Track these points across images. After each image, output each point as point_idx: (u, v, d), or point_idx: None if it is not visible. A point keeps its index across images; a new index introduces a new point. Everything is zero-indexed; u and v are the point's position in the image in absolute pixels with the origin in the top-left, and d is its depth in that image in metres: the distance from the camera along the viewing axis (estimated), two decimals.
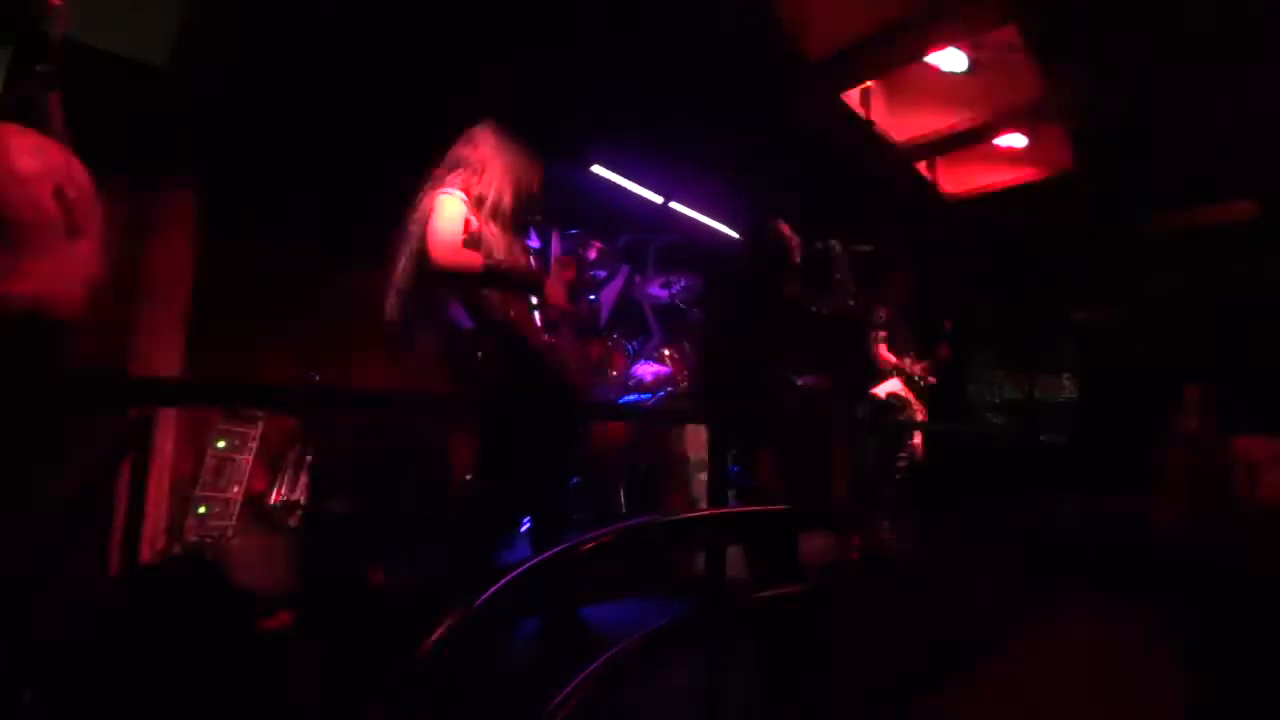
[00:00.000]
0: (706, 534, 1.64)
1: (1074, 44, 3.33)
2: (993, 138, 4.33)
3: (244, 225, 3.27)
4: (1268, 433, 3.20)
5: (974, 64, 3.65)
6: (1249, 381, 4.14)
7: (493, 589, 0.97)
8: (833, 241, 3.66)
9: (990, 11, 3.15)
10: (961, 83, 3.87)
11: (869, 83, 3.91)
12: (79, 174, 1.47)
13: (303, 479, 3.08)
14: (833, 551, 3.46)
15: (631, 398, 4.02)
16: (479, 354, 2.05)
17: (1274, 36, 3.05)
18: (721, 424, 2.38)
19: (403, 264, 2.09)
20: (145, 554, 2.59)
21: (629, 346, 4.25)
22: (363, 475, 3.06)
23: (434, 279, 2.04)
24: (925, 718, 1.98)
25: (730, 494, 2.76)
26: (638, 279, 4.56)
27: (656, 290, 4.48)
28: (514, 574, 1.02)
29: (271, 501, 3.05)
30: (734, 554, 2.12)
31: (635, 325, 4.55)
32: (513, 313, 2.11)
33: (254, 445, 3.03)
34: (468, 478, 3.25)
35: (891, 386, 3.97)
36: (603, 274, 4.17)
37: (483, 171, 2.14)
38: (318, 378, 3.35)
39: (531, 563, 1.12)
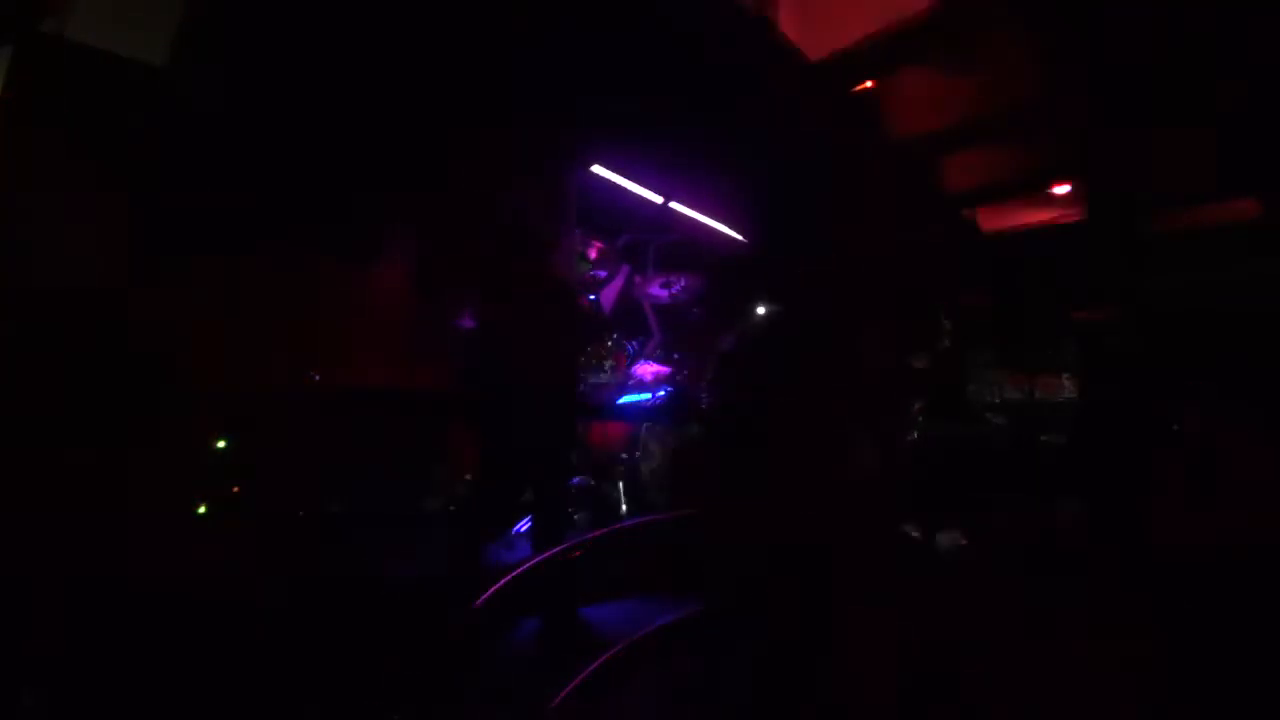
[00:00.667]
0: (707, 534, 1.64)
1: (1074, 43, 3.33)
2: (993, 134, 4.34)
3: (244, 225, 3.27)
4: (1268, 433, 3.20)
5: (974, 64, 3.65)
6: (1249, 381, 4.14)
7: (493, 588, 0.97)
8: None
9: (990, 11, 3.15)
10: (962, 82, 3.87)
11: (869, 83, 3.91)
12: None
13: (301, 479, 3.08)
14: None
15: (631, 398, 4.02)
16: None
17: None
18: (722, 423, 2.38)
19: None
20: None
21: (629, 346, 4.25)
22: (362, 475, 3.06)
23: None
24: (925, 718, 1.98)
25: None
26: (638, 279, 4.56)
27: (656, 290, 4.48)
28: (514, 573, 1.02)
29: (269, 501, 3.05)
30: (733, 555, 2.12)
31: (635, 325, 4.55)
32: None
33: (254, 445, 3.03)
34: (467, 477, 3.25)
35: None
36: (603, 274, 4.17)
37: None
38: (318, 378, 3.35)
39: (532, 562, 1.11)
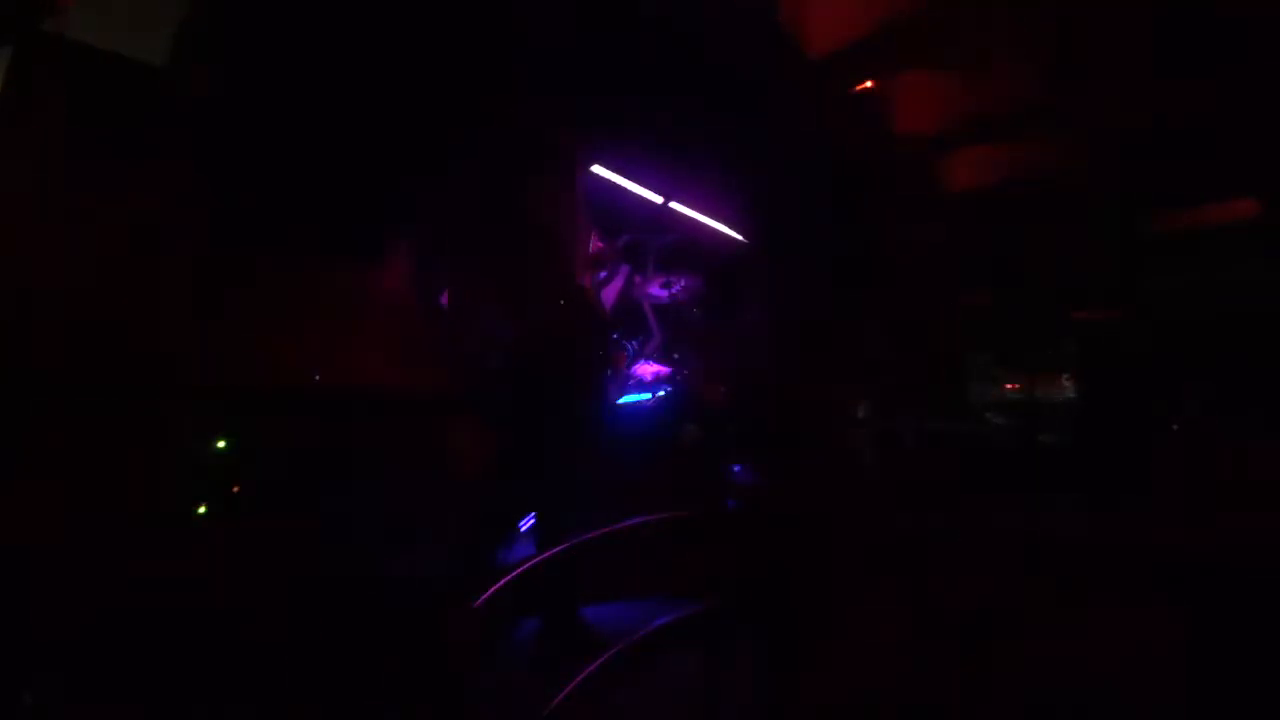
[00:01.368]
0: (707, 534, 1.64)
1: (1074, 43, 3.33)
2: (993, 136, 4.34)
3: (244, 225, 3.26)
4: (1268, 433, 3.20)
5: (974, 63, 3.65)
6: (1249, 381, 4.14)
7: (493, 588, 0.97)
8: None
9: (990, 11, 3.15)
10: (963, 82, 3.87)
11: (868, 83, 3.91)
12: None
13: (303, 478, 3.07)
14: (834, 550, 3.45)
15: (631, 397, 4.02)
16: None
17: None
18: (722, 424, 2.38)
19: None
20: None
21: (629, 346, 4.25)
22: (365, 474, 3.05)
23: None
24: (926, 717, 1.98)
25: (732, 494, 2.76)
26: (638, 279, 4.56)
27: (656, 290, 4.48)
28: (515, 573, 1.02)
29: (270, 501, 3.05)
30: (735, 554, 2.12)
31: (635, 325, 4.55)
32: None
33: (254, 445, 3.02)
34: (468, 477, 3.24)
35: None
36: (603, 274, 4.17)
37: None
38: (318, 377, 3.34)
39: (533, 561, 1.12)
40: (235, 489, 2.97)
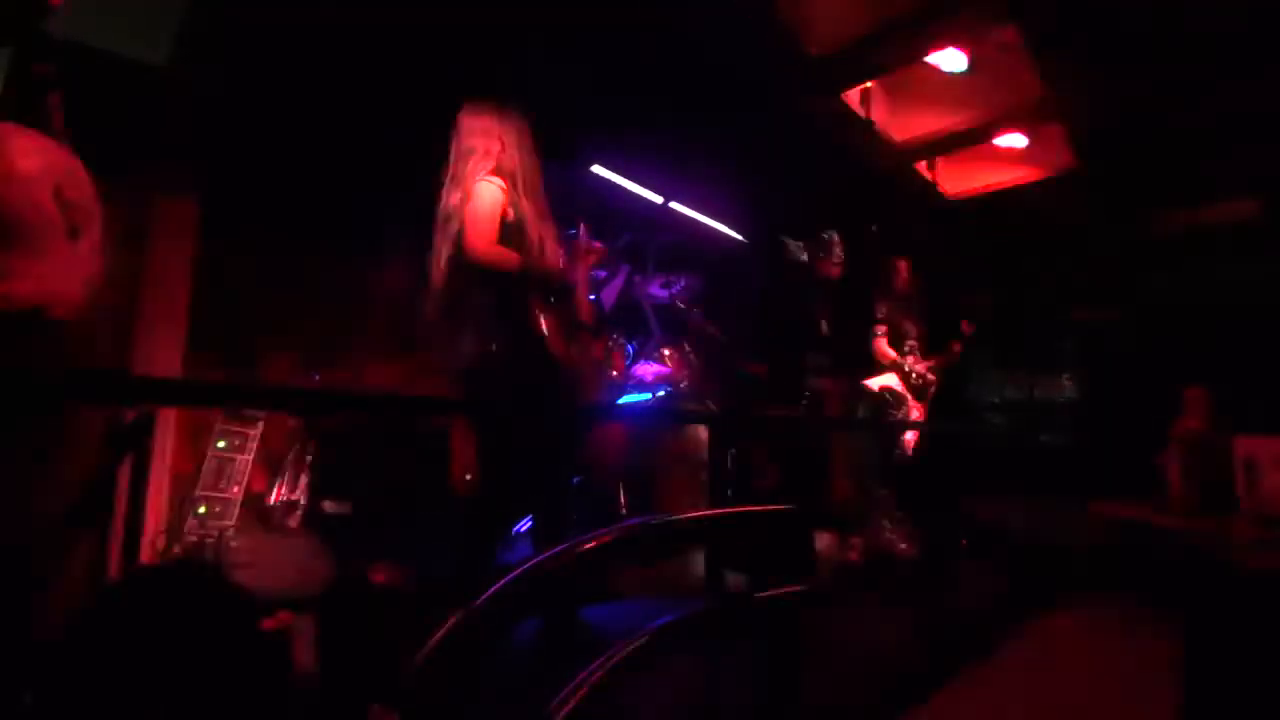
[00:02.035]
0: (707, 534, 1.64)
1: (1074, 43, 3.33)
2: (993, 137, 4.34)
3: (245, 225, 3.27)
4: (1268, 433, 3.20)
5: (974, 63, 3.65)
6: (1249, 381, 4.14)
7: (493, 589, 0.97)
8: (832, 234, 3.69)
9: (990, 11, 3.15)
10: (962, 82, 3.87)
11: (869, 83, 3.91)
12: (79, 174, 1.47)
13: (303, 479, 3.08)
14: (833, 551, 3.45)
15: (631, 397, 4.02)
16: (493, 347, 2.02)
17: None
18: (723, 424, 2.38)
19: (440, 263, 2.05)
20: (145, 555, 2.59)
21: (629, 346, 4.25)
22: (363, 475, 3.05)
23: (470, 275, 2.00)
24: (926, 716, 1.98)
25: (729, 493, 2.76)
26: (638, 279, 4.56)
27: (656, 290, 4.48)
28: (514, 574, 1.02)
29: (271, 501, 3.05)
30: (735, 554, 2.12)
31: (635, 325, 4.54)
32: (543, 322, 2.09)
33: (254, 445, 3.02)
34: (468, 478, 3.25)
35: (886, 381, 3.94)
36: (603, 274, 4.17)
37: (503, 147, 2.10)
38: (318, 378, 3.35)
39: (532, 563, 1.12)
40: (235, 489, 2.97)
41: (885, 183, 4.70)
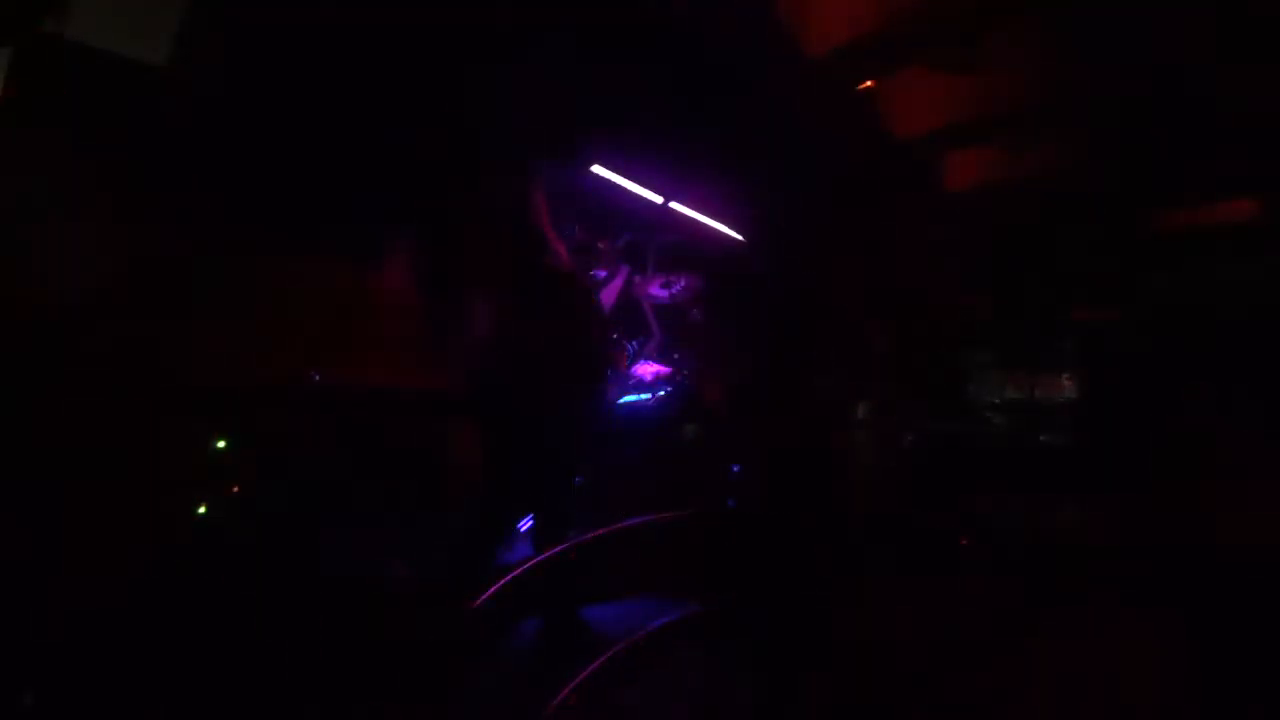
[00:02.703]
0: (707, 534, 1.64)
1: (1074, 42, 3.33)
2: (994, 135, 4.34)
3: (245, 225, 3.26)
4: (1268, 433, 3.20)
5: (974, 62, 3.65)
6: (1249, 381, 4.14)
7: (493, 588, 0.97)
8: None
9: (990, 10, 3.16)
10: (963, 80, 3.87)
11: (869, 82, 3.91)
12: None
13: (300, 479, 3.07)
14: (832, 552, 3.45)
15: (631, 397, 4.02)
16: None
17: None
18: (723, 425, 2.38)
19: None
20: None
21: (629, 346, 4.25)
22: (363, 474, 3.05)
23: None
24: (928, 718, 1.98)
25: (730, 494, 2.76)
26: (638, 279, 4.56)
27: (656, 290, 4.48)
28: (515, 573, 1.02)
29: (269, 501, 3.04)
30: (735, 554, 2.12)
31: (635, 325, 4.55)
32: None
33: (253, 445, 3.02)
34: (468, 477, 3.24)
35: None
36: (603, 274, 4.17)
37: None
38: (318, 377, 3.34)
39: (532, 562, 1.11)
40: (235, 489, 2.97)
41: (885, 181, 4.70)
